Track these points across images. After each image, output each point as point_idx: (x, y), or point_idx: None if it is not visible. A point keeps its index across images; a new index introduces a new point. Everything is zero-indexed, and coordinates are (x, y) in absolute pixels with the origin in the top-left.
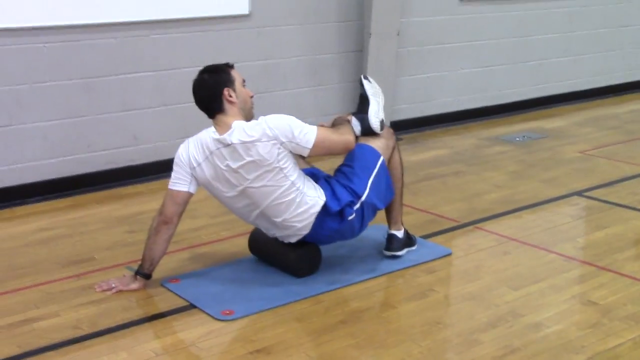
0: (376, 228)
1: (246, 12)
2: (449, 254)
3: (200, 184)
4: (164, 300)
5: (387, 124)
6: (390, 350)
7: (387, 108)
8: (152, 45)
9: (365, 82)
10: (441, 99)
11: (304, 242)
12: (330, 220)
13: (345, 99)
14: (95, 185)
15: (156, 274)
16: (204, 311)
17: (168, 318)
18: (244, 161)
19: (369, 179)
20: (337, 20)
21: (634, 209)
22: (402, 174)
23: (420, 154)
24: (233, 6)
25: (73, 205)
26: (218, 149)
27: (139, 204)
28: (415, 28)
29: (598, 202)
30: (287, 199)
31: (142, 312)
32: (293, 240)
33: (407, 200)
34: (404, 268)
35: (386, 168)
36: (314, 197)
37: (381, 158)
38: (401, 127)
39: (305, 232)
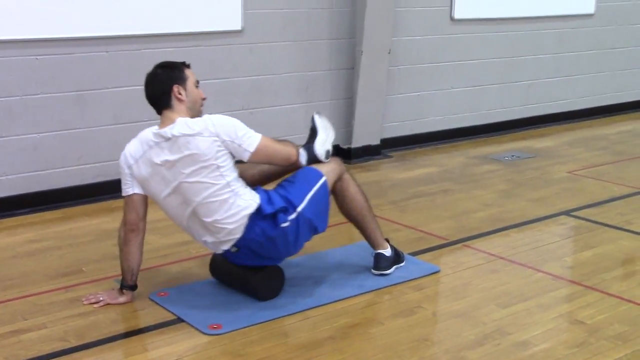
0: (364, 245)
1: (239, 27)
2: (437, 272)
3: (139, 183)
4: (152, 314)
5: (377, 141)
6: None
7: (377, 125)
8: (145, 59)
9: (316, 116)
10: (431, 117)
11: (264, 266)
12: (262, 223)
13: (336, 116)
14: (85, 198)
15: (144, 287)
16: (191, 325)
17: (156, 331)
18: (182, 154)
19: (307, 193)
20: (329, 38)
21: (622, 229)
22: (366, 199)
23: (409, 171)
24: (226, 22)
25: (62, 218)
26: (157, 143)
27: None
28: (407, 46)
29: (586, 222)
30: (219, 198)
31: (129, 325)
32: (225, 247)
33: (395, 217)
34: (392, 285)
35: (327, 190)
36: (247, 200)
37: (323, 177)
38: (391, 144)
39: (237, 235)
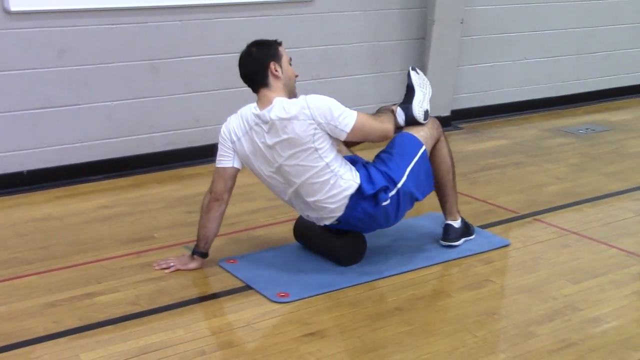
0: (433, 216)
1: None
2: (507, 245)
3: (240, 159)
4: (221, 281)
5: (447, 112)
6: (445, 339)
7: (448, 96)
8: (216, 29)
9: (412, 73)
10: (503, 88)
11: (347, 231)
12: (363, 203)
13: (405, 87)
14: (156, 165)
15: (214, 254)
16: (259, 292)
17: (224, 298)
18: (280, 138)
19: (407, 166)
20: (400, 7)
21: None
22: (453, 165)
23: (480, 143)
24: None
25: (134, 185)
26: (257, 124)
27: (199, 185)
28: (480, 16)
29: None
30: (320, 180)
31: (199, 291)
32: (327, 222)
33: (465, 189)
34: (461, 257)
35: (427, 158)
36: (348, 180)
37: (423, 147)
38: (462, 116)
39: (339, 214)
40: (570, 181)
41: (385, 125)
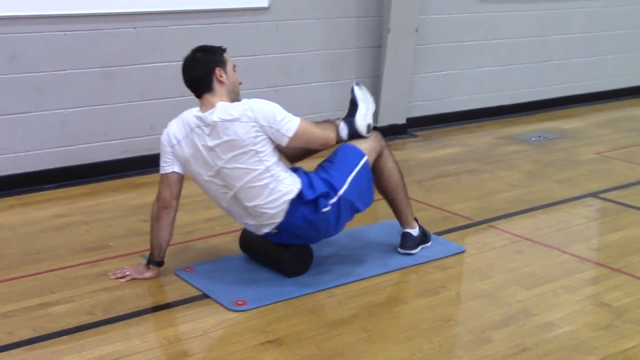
0: (389, 224)
1: (265, 5)
2: (462, 252)
3: (180, 163)
4: (177, 289)
5: (403, 120)
6: (402, 346)
7: (403, 104)
8: (171, 36)
9: (356, 88)
10: (457, 96)
11: (293, 243)
12: (303, 208)
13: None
14: (112, 174)
15: (170, 263)
16: (216, 301)
17: (181, 307)
18: (221, 140)
19: (349, 175)
20: (356, 16)
21: None
22: (402, 177)
23: (435, 151)
24: None
25: (89, 193)
26: (199, 126)
27: (154, 193)
28: (434, 25)
29: (613, 204)
30: (260, 184)
31: (155, 300)
32: (266, 230)
33: (420, 196)
34: (417, 264)
35: (369, 169)
36: (288, 185)
37: (365, 157)
38: (416, 124)
39: (278, 220)
40: (524, 188)
41: (327, 133)
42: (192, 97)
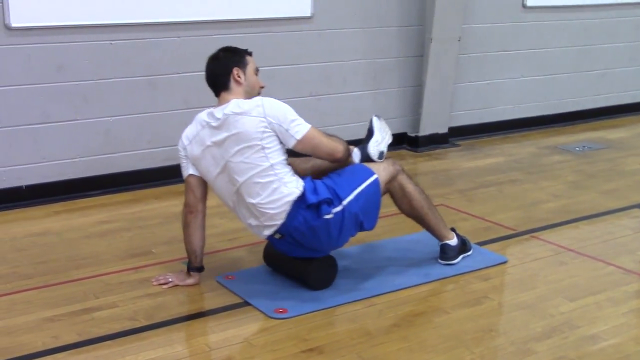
0: (430, 235)
1: (308, 14)
2: (504, 262)
3: (192, 163)
4: (219, 296)
5: (445, 130)
6: (442, 356)
7: (445, 113)
8: (215, 45)
9: (375, 119)
10: (501, 106)
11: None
12: (305, 212)
13: (404, 104)
14: (155, 181)
15: (211, 270)
16: (257, 308)
17: (222, 314)
18: (230, 133)
19: (356, 187)
20: (399, 25)
21: None
22: (425, 196)
23: (477, 160)
24: (295, 8)
25: (132, 200)
26: (208, 123)
27: None
28: (477, 34)
29: None
30: (263, 181)
31: (197, 306)
32: (268, 232)
33: (462, 206)
34: (458, 274)
35: (379, 188)
36: (291, 188)
37: (375, 175)
38: (459, 133)
39: (279, 221)
40: (567, 198)
41: (334, 144)
42: None
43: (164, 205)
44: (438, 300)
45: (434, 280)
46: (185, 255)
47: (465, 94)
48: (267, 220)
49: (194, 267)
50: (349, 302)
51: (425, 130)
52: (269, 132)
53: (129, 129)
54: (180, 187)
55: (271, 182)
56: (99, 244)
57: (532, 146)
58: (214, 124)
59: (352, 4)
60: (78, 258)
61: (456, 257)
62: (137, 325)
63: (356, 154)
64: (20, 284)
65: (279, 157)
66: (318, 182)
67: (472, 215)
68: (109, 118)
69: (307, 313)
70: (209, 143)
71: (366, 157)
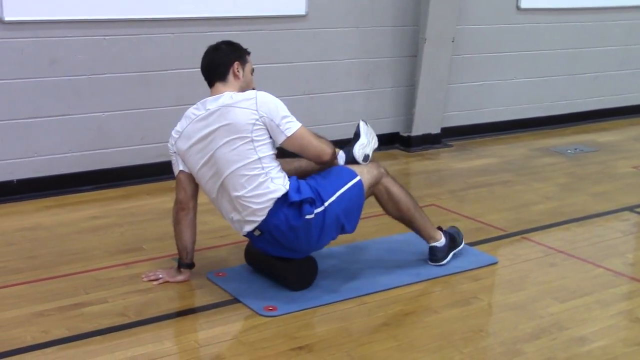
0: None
1: (303, 12)
2: (495, 263)
3: (181, 157)
4: (209, 293)
5: (437, 130)
6: (432, 355)
7: (438, 114)
8: (209, 42)
9: (362, 123)
10: (493, 107)
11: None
12: (287, 210)
13: (397, 104)
14: (147, 177)
15: (202, 267)
16: (247, 306)
17: (212, 310)
18: (220, 124)
19: (339, 189)
20: (393, 25)
21: None
22: (411, 198)
23: (469, 161)
24: (290, 6)
25: (124, 196)
26: (198, 114)
27: None
28: (471, 35)
29: None
30: (249, 174)
31: (187, 303)
32: (248, 227)
33: (453, 206)
34: (449, 274)
35: (362, 191)
36: (278, 185)
37: (357, 177)
38: (451, 134)
39: (261, 217)
40: (558, 200)
41: (323, 146)
42: None
43: (155, 202)
44: (428, 300)
45: (424, 280)
46: (176, 251)
47: (458, 94)
48: (249, 215)
49: (185, 263)
50: (339, 301)
51: (418, 130)
52: (260, 125)
53: (121, 125)
54: (172, 183)
55: (257, 175)
56: (90, 239)
57: (523, 148)
58: (203, 114)
59: (347, 3)
60: (68, 253)
61: (445, 257)
62: (127, 321)
63: (341, 157)
64: (10, 278)
65: (268, 151)
66: (302, 182)
67: (463, 216)
68: (102, 113)
69: (297, 311)
70: (197, 136)
71: (351, 160)
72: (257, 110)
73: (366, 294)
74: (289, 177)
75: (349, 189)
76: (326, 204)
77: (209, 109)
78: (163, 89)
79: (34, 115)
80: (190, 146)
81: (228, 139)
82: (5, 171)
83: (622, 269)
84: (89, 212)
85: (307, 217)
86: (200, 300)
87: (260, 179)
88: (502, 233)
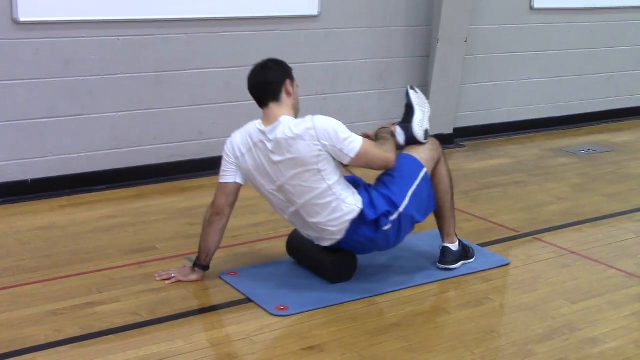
0: (433, 234)
1: (315, 13)
2: (507, 264)
3: (243, 174)
4: (221, 293)
5: (450, 130)
6: (443, 356)
7: (451, 114)
8: (222, 42)
9: (411, 92)
10: (506, 107)
11: (339, 249)
12: (365, 228)
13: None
14: (160, 177)
15: (215, 267)
16: (259, 305)
17: (224, 310)
18: (284, 157)
19: (409, 189)
20: (405, 25)
21: None
22: (452, 186)
23: (482, 162)
24: (303, 7)
25: (138, 195)
26: (261, 141)
27: (201, 197)
28: (484, 35)
29: None
30: (322, 202)
31: (199, 302)
32: (326, 243)
33: (466, 207)
34: (460, 275)
35: (429, 180)
36: (350, 205)
37: (424, 169)
38: (464, 134)
39: (339, 237)
40: (571, 201)
41: (387, 155)
42: (241, 103)
43: (168, 202)
44: (439, 300)
45: (436, 281)
46: (189, 251)
47: (470, 95)
48: (328, 235)
49: (201, 264)
50: (350, 301)
51: (431, 130)
52: (324, 154)
53: (134, 125)
54: (185, 183)
55: (330, 202)
56: (103, 238)
57: (536, 148)
58: (267, 143)
59: (359, 3)
60: (82, 252)
61: (455, 263)
62: (140, 320)
63: (400, 135)
64: (24, 277)
65: (335, 176)
66: (373, 193)
67: (476, 217)
68: (115, 113)
69: (308, 311)
70: (262, 161)
71: (411, 139)
72: (318, 141)
73: (378, 294)
74: (355, 182)
75: (418, 185)
76: (400, 209)
77: (270, 139)
78: (176, 89)
79: (48, 115)
80: (256, 168)
81: (294, 172)
82: (19, 170)
83: (635, 270)
84: (103, 212)
85: (385, 228)
86: (212, 299)
87: (334, 205)
88: (514, 234)
